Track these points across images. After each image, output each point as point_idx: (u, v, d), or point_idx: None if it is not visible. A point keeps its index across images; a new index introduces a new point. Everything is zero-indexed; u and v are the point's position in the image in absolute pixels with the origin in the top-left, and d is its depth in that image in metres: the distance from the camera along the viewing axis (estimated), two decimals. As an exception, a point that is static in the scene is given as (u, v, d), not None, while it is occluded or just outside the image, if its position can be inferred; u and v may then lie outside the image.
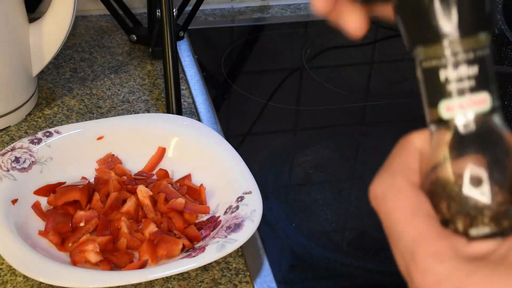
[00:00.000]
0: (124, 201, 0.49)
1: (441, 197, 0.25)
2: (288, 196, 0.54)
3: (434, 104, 0.25)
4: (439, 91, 0.25)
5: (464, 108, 0.25)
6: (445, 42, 0.25)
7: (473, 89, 0.25)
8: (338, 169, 0.56)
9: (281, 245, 0.49)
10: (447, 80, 0.25)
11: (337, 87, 0.65)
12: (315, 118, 0.61)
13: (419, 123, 0.67)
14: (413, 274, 0.25)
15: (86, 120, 0.57)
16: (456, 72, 0.25)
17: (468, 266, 0.24)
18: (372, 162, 0.57)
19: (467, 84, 0.25)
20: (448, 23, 0.24)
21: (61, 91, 0.62)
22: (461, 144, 0.25)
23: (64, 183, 0.50)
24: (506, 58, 0.53)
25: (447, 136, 0.25)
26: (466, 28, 0.25)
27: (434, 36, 0.25)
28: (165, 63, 0.58)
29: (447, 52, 0.25)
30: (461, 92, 0.25)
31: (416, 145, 0.27)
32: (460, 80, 0.25)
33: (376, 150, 0.59)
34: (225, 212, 0.47)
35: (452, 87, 0.25)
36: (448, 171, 0.25)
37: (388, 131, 0.60)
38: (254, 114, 0.62)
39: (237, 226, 0.45)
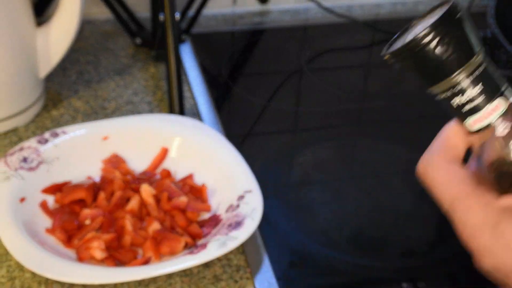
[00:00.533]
0: (128, 200, 0.49)
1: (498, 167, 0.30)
2: (288, 195, 0.53)
3: (463, 120, 0.31)
4: (464, 112, 0.31)
5: (484, 119, 0.30)
6: (452, 76, 0.30)
7: (488, 100, 0.30)
8: (336, 169, 0.56)
9: (281, 242, 0.49)
10: (469, 100, 0.30)
11: (335, 89, 0.65)
12: (314, 119, 0.61)
13: (413, 124, 0.66)
14: (457, 230, 0.31)
15: (91, 121, 0.57)
16: (467, 94, 0.30)
17: (498, 215, 0.29)
18: (369, 161, 0.58)
19: (481, 99, 0.30)
20: (452, 60, 0.29)
21: (67, 92, 0.62)
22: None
23: (70, 182, 0.50)
24: (498, 61, 0.53)
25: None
26: (464, 59, 0.30)
27: (441, 75, 0.30)
28: (168, 65, 0.58)
29: (456, 82, 0.30)
30: (478, 108, 0.30)
31: (454, 127, 0.32)
32: (473, 99, 0.30)
33: (372, 150, 0.59)
34: (226, 211, 0.48)
35: (470, 106, 0.30)
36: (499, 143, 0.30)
37: (384, 131, 0.60)
38: (255, 115, 0.62)
39: (238, 224, 0.45)
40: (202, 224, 0.48)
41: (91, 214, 0.48)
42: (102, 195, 0.49)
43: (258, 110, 0.62)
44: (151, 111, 0.60)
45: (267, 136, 0.60)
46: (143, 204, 0.48)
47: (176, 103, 0.58)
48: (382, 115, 0.62)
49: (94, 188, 0.49)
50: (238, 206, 0.47)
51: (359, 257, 0.48)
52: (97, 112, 0.60)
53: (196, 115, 0.60)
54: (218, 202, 0.49)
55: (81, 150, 0.52)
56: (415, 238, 0.50)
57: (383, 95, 0.65)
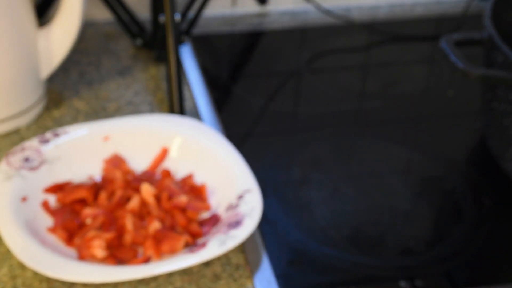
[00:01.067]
0: (129, 199, 0.48)
1: None
2: (287, 194, 0.53)
3: None
4: None
5: None
6: None
7: None
8: (334, 169, 0.56)
9: (280, 241, 0.49)
10: None
11: (334, 90, 0.64)
12: (313, 119, 0.61)
13: (411, 124, 0.62)
14: None
15: (92, 121, 0.56)
16: None
17: None
18: (367, 161, 0.57)
19: None
20: None
21: (68, 93, 0.62)
22: None
23: (71, 181, 0.50)
24: (494, 62, 0.52)
25: None
26: None
27: None
28: (168, 66, 0.58)
29: None
30: None
31: None
32: None
33: (371, 150, 0.58)
34: (226, 210, 0.47)
35: None
36: None
37: (382, 131, 0.60)
38: (254, 115, 0.61)
39: (237, 223, 0.45)
40: (202, 223, 0.48)
41: (92, 213, 0.47)
42: (103, 195, 0.49)
43: (257, 110, 0.62)
44: (151, 111, 0.60)
45: (266, 136, 0.59)
46: (143, 203, 0.48)
47: (177, 104, 0.57)
48: (380, 115, 0.62)
49: (95, 188, 0.49)
50: (237, 205, 0.46)
51: (357, 255, 0.48)
52: (98, 112, 0.59)
53: (196, 115, 0.60)
54: (217, 202, 0.49)
55: (82, 150, 0.51)
56: (412, 237, 0.50)
57: (381, 96, 0.64)
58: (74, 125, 0.53)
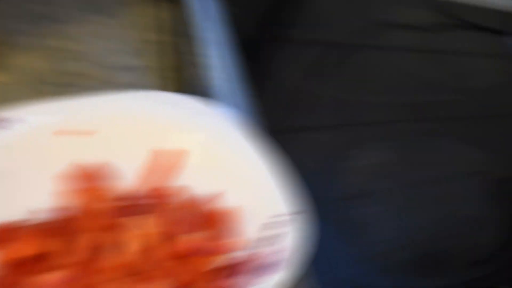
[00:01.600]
0: (108, 248, 0.33)
1: None
2: (339, 213, 0.45)
3: None
4: None
5: None
6: None
7: None
8: (395, 175, 0.48)
9: (334, 277, 0.42)
10: None
11: (392, 74, 0.55)
12: (373, 111, 0.51)
13: (486, 122, 0.53)
14: None
15: (46, 99, 0.35)
16: None
17: None
18: (438, 166, 0.50)
19: None
20: None
21: (8, 40, 0.39)
22: None
23: (9, 223, 0.32)
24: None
25: None
26: None
27: None
28: (178, 10, 0.41)
29: None
30: None
31: None
32: None
33: (442, 151, 0.51)
34: (258, 246, 0.36)
35: None
36: None
37: (456, 130, 0.53)
38: (297, 102, 0.48)
39: (274, 265, 0.35)
40: (220, 271, 0.35)
41: (54, 284, 0.31)
42: (65, 244, 0.33)
43: (302, 95, 0.49)
44: (145, 85, 0.41)
45: (313, 131, 0.48)
46: (133, 252, 0.34)
47: (189, 76, 0.41)
48: (452, 110, 0.54)
49: (50, 232, 0.32)
50: (274, 236, 0.36)
51: (422, 278, 0.43)
52: (57, 82, 0.39)
53: (217, 96, 0.41)
54: (246, 234, 0.36)
55: (29, 155, 0.33)
56: (485, 245, 0.47)
57: (448, 88, 0.57)
58: (16, 107, 0.33)
